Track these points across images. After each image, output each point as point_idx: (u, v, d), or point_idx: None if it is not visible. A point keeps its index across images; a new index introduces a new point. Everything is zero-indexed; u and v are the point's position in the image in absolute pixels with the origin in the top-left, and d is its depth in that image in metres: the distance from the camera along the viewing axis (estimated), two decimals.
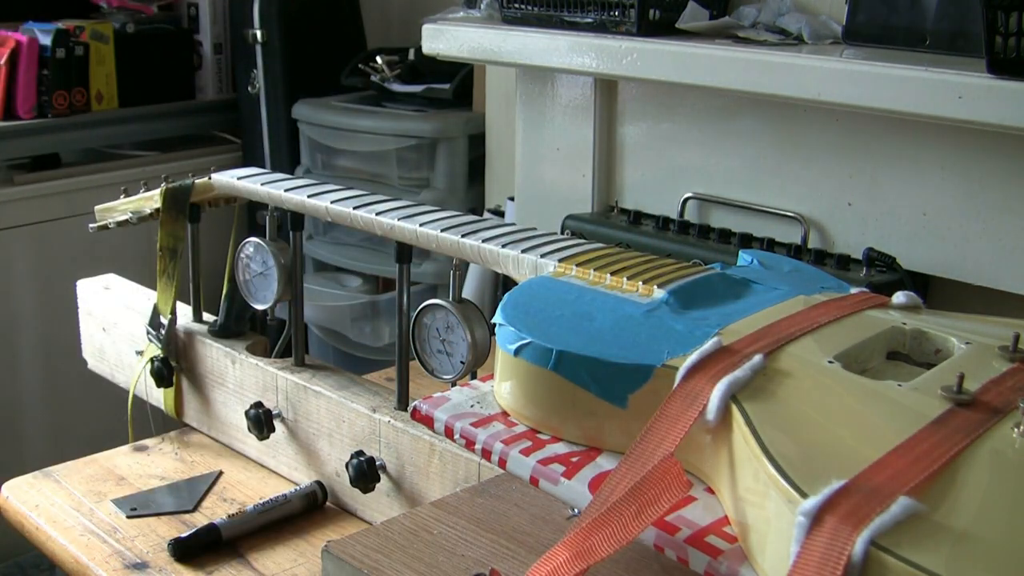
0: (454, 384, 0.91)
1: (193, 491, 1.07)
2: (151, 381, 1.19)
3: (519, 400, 0.69)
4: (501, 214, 1.84)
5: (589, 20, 1.37)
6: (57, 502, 1.05)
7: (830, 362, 0.65)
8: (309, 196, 1.02)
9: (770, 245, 1.28)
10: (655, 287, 0.75)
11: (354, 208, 0.99)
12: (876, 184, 1.25)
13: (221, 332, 1.15)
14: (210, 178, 1.13)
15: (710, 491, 0.62)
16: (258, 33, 2.27)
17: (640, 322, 0.70)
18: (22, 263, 2.12)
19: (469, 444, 0.68)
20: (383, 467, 0.97)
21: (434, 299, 0.92)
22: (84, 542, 0.98)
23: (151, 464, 1.13)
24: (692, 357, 0.64)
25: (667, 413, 0.61)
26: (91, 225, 1.21)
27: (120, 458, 1.14)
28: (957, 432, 0.56)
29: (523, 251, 0.87)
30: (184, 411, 1.20)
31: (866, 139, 1.25)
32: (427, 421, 0.71)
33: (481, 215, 1.70)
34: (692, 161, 1.42)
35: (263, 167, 1.29)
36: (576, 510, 0.64)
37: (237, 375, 1.11)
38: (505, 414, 0.70)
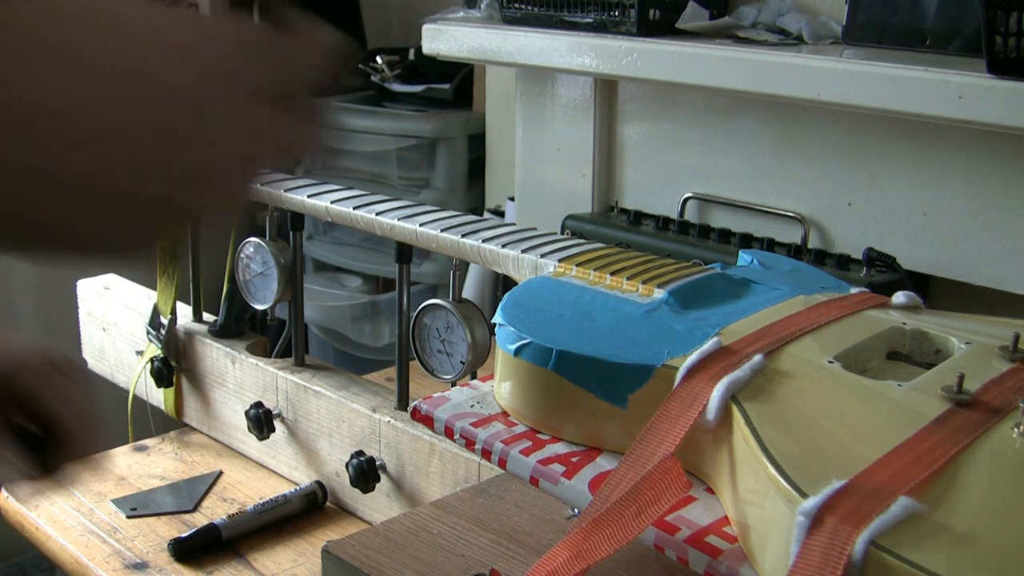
0: (454, 384, 0.91)
1: (193, 491, 1.07)
2: (151, 381, 1.19)
3: (519, 400, 0.69)
4: (501, 214, 1.84)
5: (589, 20, 1.37)
6: (57, 502, 1.05)
7: (830, 362, 0.65)
8: (309, 196, 1.02)
9: (770, 245, 1.28)
10: (655, 287, 0.75)
11: (354, 208, 0.99)
12: (876, 184, 1.25)
13: (221, 332, 1.15)
14: None
15: (710, 491, 0.61)
16: None
17: (640, 322, 0.70)
18: (22, 263, 2.12)
19: (469, 444, 0.68)
20: (383, 467, 0.97)
21: (434, 299, 0.92)
22: (84, 542, 0.98)
23: (151, 464, 1.13)
24: (692, 357, 0.63)
25: (667, 413, 0.61)
26: None
27: (120, 458, 1.14)
28: (957, 432, 0.56)
29: (523, 251, 0.87)
30: (184, 411, 1.20)
31: (866, 139, 1.25)
32: (427, 421, 0.71)
33: (481, 215, 1.70)
34: (692, 161, 1.42)
35: None
36: (576, 510, 0.64)
37: (237, 375, 1.11)
38: (505, 414, 0.70)
